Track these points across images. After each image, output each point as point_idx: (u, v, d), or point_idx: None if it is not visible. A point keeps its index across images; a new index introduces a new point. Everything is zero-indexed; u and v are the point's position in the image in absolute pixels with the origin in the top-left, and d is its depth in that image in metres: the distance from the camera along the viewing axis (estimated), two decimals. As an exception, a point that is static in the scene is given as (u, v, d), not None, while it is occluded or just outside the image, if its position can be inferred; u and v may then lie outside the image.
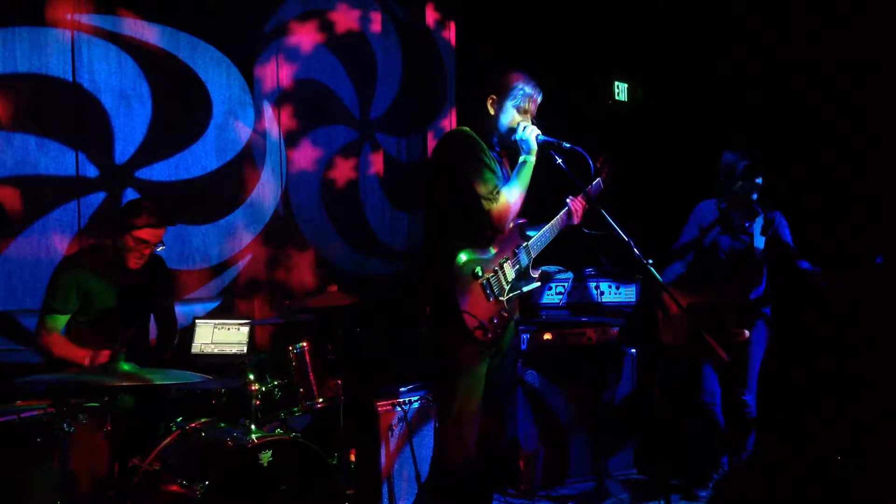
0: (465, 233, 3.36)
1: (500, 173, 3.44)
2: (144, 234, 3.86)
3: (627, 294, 5.17)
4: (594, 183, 3.63)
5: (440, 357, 3.39)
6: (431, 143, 5.96)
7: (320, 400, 3.84)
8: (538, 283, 3.54)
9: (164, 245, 3.96)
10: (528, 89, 3.44)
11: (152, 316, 4.25)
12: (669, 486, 4.68)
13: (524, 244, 3.49)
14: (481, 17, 5.92)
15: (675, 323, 4.47)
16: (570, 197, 3.57)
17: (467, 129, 3.48)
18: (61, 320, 3.85)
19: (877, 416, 4.76)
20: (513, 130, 3.43)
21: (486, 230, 3.37)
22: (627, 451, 5.06)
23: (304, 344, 3.84)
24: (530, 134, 3.39)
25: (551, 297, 5.04)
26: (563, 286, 5.05)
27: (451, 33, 6.11)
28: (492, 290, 3.35)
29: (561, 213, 3.56)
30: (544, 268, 3.60)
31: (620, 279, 5.15)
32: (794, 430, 4.98)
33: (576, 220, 3.56)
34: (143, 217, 3.86)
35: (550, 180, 3.41)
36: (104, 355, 3.71)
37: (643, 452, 5.10)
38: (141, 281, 4.03)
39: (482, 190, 3.29)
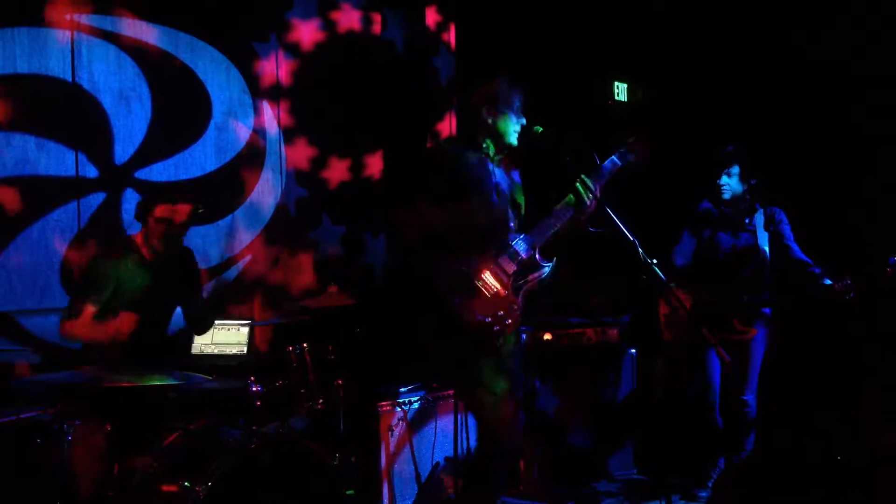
0: (456, 233, 3.41)
1: (490, 182, 3.49)
2: (161, 211, 3.84)
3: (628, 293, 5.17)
4: (605, 162, 3.55)
5: (444, 356, 3.43)
6: (430, 143, 5.96)
7: (320, 401, 3.83)
8: (548, 269, 3.49)
9: (188, 224, 3.93)
10: (514, 90, 3.51)
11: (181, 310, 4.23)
12: (669, 486, 4.69)
13: (521, 235, 3.51)
14: (481, 19, 5.92)
15: (678, 321, 4.47)
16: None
17: (451, 142, 3.56)
18: (90, 310, 3.79)
19: (876, 416, 4.77)
20: (512, 133, 3.51)
21: (475, 231, 3.41)
22: (627, 450, 5.06)
23: (305, 345, 3.84)
24: (537, 133, 3.46)
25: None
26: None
27: (450, 35, 6.11)
28: (487, 288, 3.37)
29: (564, 200, 3.53)
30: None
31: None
32: (794, 430, 4.98)
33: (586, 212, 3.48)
34: (155, 197, 3.89)
35: (557, 176, 3.42)
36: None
37: (643, 452, 5.09)
38: (171, 273, 4.02)
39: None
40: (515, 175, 3.68)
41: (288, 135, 5.38)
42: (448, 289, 3.33)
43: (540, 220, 3.53)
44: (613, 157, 3.58)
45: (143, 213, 3.89)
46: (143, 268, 3.91)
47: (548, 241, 3.52)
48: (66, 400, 3.13)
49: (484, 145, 3.56)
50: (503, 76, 3.56)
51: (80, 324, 3.69)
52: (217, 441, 3.47)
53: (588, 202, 3.45)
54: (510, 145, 3.55)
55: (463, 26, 6.09)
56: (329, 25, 5.57)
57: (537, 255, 3.49)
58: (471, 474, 3.67)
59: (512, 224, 3.53)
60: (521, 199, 3.64)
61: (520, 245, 3.48)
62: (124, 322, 3.58)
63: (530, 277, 3.47)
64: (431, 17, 6.04)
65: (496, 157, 3.59)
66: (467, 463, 3.90)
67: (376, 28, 5.79)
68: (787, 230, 4.49)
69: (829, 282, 4.19)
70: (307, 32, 5.47)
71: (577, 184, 3.45)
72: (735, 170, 4.44)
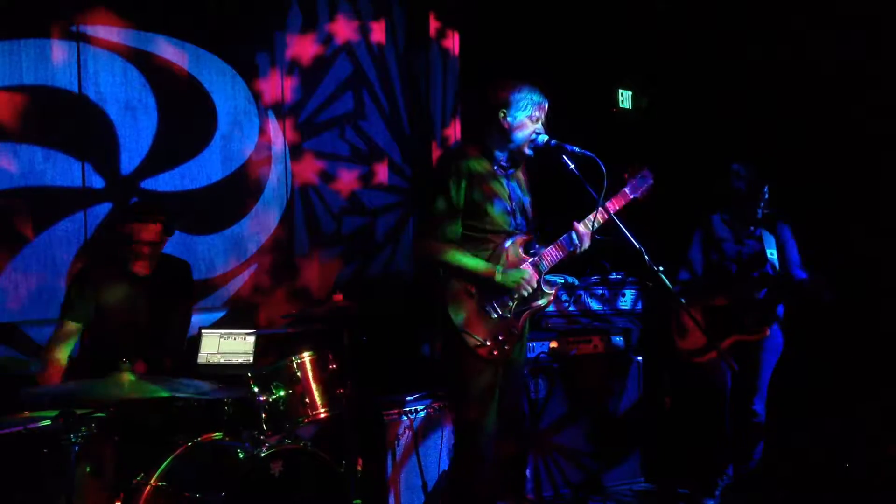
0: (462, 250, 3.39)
1: (508, 189, 3.47)
2: (135, 233, 3.87)
3: (633, 301, 5.17)
4: (618, 192, 3.56)
5: (449, 371, 3.41)
6: (435, 153, 5.97)
7: (326, 410, 3.82)
8: (550, 298, 3.53)
9: (164, 243, 3.98)
10: (537, 97, 3.45)
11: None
12: (676, 495, 4.68)
13: (529, 260, 3.47)
14: (484, 27, 5.93)
15: (686, 329, 4.46)
16: (576, 222, 3.48)
17: (459, 149, 3.53)
18: (74, 328, 3.86)
19: (885, 423, 4.74)
20: (527, 141, 3.44)
21: (485, 248, 3.38)
22: (634, 459, 5.04)
23: (309, 354, 3.83)
24: (543, 141, 3.42)
25: (556, 304, 5.04)
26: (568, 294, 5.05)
27: (454, 43, 6.11)
28: (494, 308, 3.35)
29: (562, 237, 3.50)
30: (548, 276, 3.56)
31: (623, 286, 5.14)
32: (802, 437, 4.96)
33: (579, 246, 3.46)
34: (130, 215, 3.93)
35: (563, 186, 3.41)
36: None
37: (650, 460, 5.07)
38: (159, 289, 4.04)
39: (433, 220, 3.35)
40: (523, 182, 3.65)
41: (293, 144, 5.39)
42: (451, 304, 3.32)
43: (546, 248, 3.50)
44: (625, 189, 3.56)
45: (120, 234, 3.92)
46: (127, 285, 3.94)
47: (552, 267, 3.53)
48: (72, 411, 3.12)
49: (496, 153, 3.49)
50: (515, 80, 3.48)
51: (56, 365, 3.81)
52: (225, 452, 3.47)
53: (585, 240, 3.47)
54: (524, 155, 3.49)
55: (466, 35, 6.09)
56: (331, 35, 5.57)
57: (542, 284, 3.49)
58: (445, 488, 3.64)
59: (523, 236, 3.51)
60: (529, 207, 3.61)
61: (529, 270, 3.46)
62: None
63: (532, 305, 3.47)
64: (434, 25, 6.05)
65: (508, 166, 3.53)
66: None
67: (379, 37, 5.80)
68: (790, 241, 4.49)
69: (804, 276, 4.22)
70: (311, 42, 5.48)
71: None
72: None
